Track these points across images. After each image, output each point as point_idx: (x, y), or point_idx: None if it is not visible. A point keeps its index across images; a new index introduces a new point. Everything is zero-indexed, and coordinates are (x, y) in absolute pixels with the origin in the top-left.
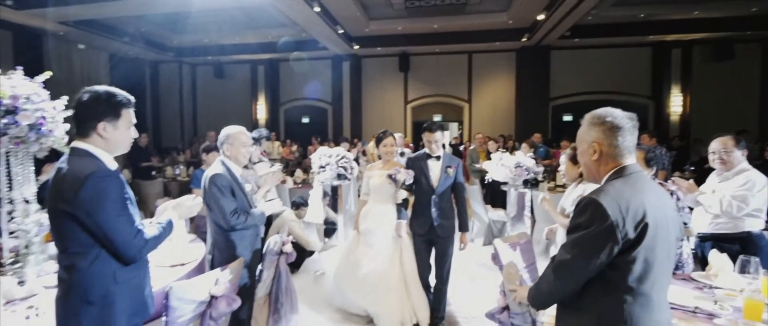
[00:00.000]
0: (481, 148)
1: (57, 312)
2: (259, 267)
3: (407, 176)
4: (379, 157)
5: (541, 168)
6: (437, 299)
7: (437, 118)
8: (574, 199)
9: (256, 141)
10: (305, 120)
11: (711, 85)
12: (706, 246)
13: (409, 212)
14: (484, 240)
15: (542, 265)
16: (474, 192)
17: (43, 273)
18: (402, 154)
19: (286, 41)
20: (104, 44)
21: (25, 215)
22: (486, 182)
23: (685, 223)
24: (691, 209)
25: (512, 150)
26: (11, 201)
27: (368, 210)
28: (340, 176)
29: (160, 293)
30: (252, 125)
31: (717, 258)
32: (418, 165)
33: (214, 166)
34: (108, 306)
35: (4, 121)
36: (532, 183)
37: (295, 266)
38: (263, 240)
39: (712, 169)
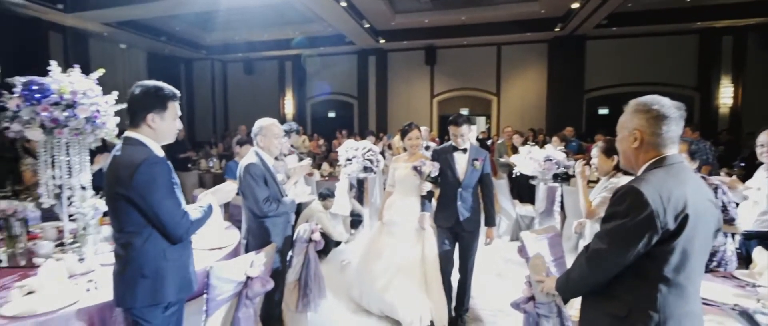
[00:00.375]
0: (509, 142)
1: (115, 284)
2: (290, 253)
3: (432, 168)
4: (405, 150)
5: (573, 162)
6: (461, 292)
7: (464, 111)
8: (603, 193)
9: (287, 134)
10: (331, 114)
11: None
12: (752, 244)
13: (434, 204)
14: (511, 236)
15: (571, 261)
16: (501, 187)
17: (98, 252)
18: (427, 148)
19: (312, 37)
20: (143, 44)
21: (83, 200)
22: (514, 176)
23: (732, 219)
24: (737, 205)
25: (542, 144)
26: (70, 188)
27: (393, 202)
28: (366, 169)
29: (202, 272)
30: (280, 119)
31: (761, 256)
32: (443, 157)
33: (248, 156)
34: (159, 281)
35: (65, 114)
36: (562, 178)
37: (322, 254)
38: (293, 228)
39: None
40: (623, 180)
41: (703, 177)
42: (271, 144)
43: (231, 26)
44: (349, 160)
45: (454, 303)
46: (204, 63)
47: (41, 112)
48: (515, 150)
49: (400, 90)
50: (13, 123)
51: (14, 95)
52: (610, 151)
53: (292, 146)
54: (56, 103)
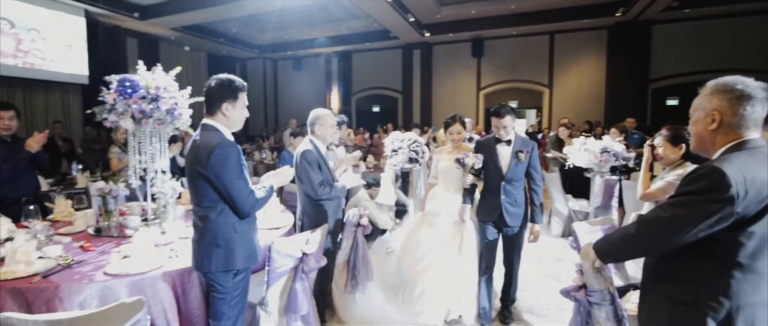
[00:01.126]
0: (569, 140)
1: (194, 251)
2: (340, 235)
3: (476, 160)
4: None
5: (633, 155)
6: (507, 283)
7: (513, 104)
8: (668, 178)
9: (339, 125)
10: (376, 109)
11: None
12: None
13: (477, 198)
14: (563, 232)
15: (633, 263)
16: (553, 181)
17: (176, 227)
18: (470, 140)
19: (358, 33)
20: (204, 45)
21: (163, 182)
22: (565, 168)
23: None
24: None
25: (600, 137)
26: (153, 171)
27: (435, 193)
28: (411, 160)
29: (264, 247)
30: None
31: None
32: (486, 149)
33: (303, 144)
34: (230, 250)
35: (151, 106)
36: (621, 171)
37: (368, 239)
38: (343, 212)
39: None
40: (690, 169)
41: None
42: (326, 132)
43: (281, 26)
44: (394, 151)
45: (499, 295)
46: (257, 62)
47: (132, 105)
48: (561, 143)
49: (445, 83)
50: (110, 114)
51: (111, 91)
52: (676, 139)
53: (340, 138)
54: (143, 97)
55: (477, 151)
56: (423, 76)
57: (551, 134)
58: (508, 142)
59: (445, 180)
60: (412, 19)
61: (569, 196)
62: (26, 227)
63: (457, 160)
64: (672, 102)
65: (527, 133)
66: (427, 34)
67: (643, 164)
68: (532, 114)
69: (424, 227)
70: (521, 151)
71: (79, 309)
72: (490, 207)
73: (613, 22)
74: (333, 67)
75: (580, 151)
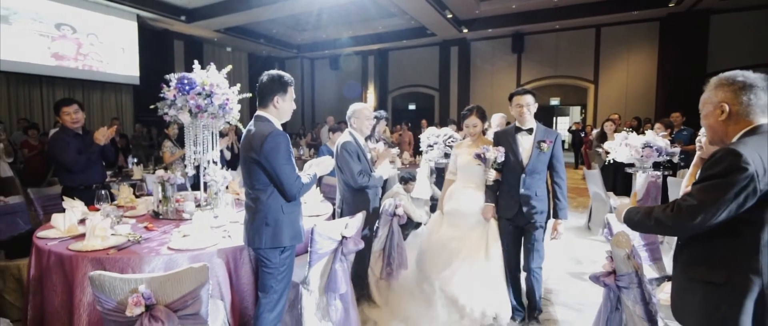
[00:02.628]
0: (612, 136)
1: (246, 229)
2: (376, 224)
3: (497, 154)
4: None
5: (677, 150)
6: (530, 293)
7: (555, 101)
8: None
9: (378, 120)
10: (412, 107)
11: None
12: None
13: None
14: (602, 230)
15: (668, 250)
16: (593, 177)
17: (227, 212)
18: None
19: (394, 31)
20: (245, 46)
21: (215, 171)
22: (606, 163)
23: None
24: None
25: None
26: (206, 162)
27: (454, 191)
28: (447, 155)
29: (307, 231)
30: None
31: None
32: (506, 139)
33: (343, 136)
34: (278, 228)
35: (205, 101)
36: (665, 166)
37: (404, 231)
38: (379, 201)
39: None
40: None
41: None
42: (363, 125)
43: (319, 25)
44: (430, 146)
45: (526, 302)
46: (295, 61)
47: (190, 100)
48: (605, 138)
49: (483, 80)
50: (170, 109)
51: (171, 88)
52: None
53: (378, 134)
54: (199, 93)
55: (497, 142)
56: (460, 72)
57: (595, 131)
58: (530, 131)
59: (465, 177)
60: (450, 16)
61: (611, 194)
62: (98, 209)
63: (478, 156)
64: None
65: (570, 130)
66: (465, 30)
67: (695, 159)
68: (575, 111)
69: (445, 228)
70: (544, 141)
71: None
72: (510, 202)
73: (666, 13)
74: (369, 65)
75: (621, 146)
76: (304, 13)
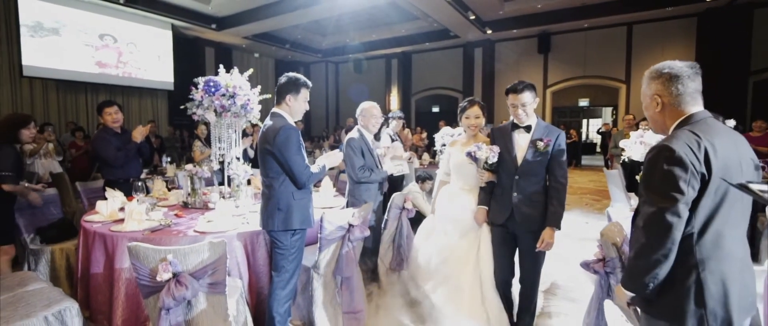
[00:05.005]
0: (627, 131)
1: (261, 214)
2: (385, 217)
3: (490, 153)
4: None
5: None
6: (522, 307)
7: (584, 102)
8: None
9: (392, 119)
10: (435, 109)
11: None
12: None
13: None
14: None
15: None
16: (613, 177)
17: (247, 203)
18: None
19: (417, 34)
20: (271, 52)
21: (237, 167)
22: (623, 162)
23: None
24: None
25: None
26: (230, 158)
27: (446, 193)
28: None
29: (318, 220)
30: (386, 113)
31: None
32: (502, 137)
33: (351, 133)
34: (289, 213)
35: (229, 101)
36: None
37: (414, 226)
38: (385, 196)
39: None
40: None
41: None
42: (370, 122)
43: (343, 30)
44: (444, 145)
45: (515, 319)
46: (319, 65)
47: (215, 101)
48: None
49: (508, 81)
50: (198, 108)
51: (199, 89)
52: None
53: (396, 134)
54: (223, 94)
55: (493, 141)
56: (484, 74)
57: (617, 131)
58: (528, 128)
59: (459, 177)
60: (473, 17)
61: (632, 194)
62: (134, 199)
63: (469, 154)
64: None
65: (599, 132)
66: (489, 31)
67: None
68: (607, 112)
69: (436, 234)
70: (541, 140)
71: None
72: (502, 206)
73: (704, 8)
74: (393, 68)
75: (636, 144)
76: (327, 19)
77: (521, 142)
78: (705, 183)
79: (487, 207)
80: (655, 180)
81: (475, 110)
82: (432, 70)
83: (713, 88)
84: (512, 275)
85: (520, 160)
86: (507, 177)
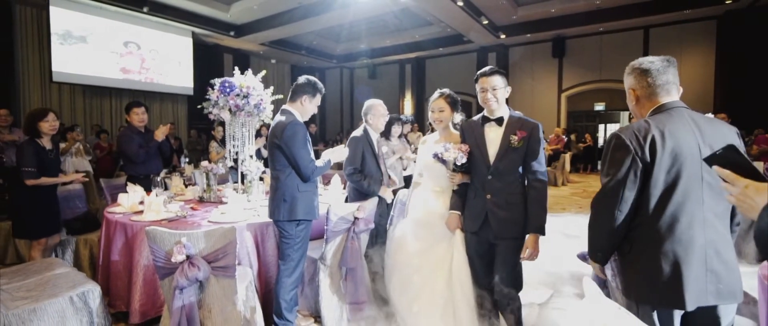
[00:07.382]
0: None
1: (269, 204)
2: (391, 213)
3: (458, 154)
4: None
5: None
6: (503, 306)
7: (600, 106)
8: None
9: (402, 123)
10: None
11: None
12: None
13: None
14: None
15: None
16: None
17: (259, 198)
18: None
19: (431, 39)
20: (288, 58)
21: (250, 164)
22: None
23: None
24: None
25: None
26: (244, 155)
27: (419, 195)
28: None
29: (324, 214)
30: None
31: None
32: (472, 133)
33: (357, 130)
34: (294, 204)
35: (243, 101)
36: None
37: None
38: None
39: None
40: None
41: None
42: (377, 120)
43: (357, 36)
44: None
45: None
46: (334, 71)
47: (230, 100)
48: None
49: (523, 86)
50: (214, 108)
51: (215, 90)
52: None
53: (406, 137)
54: (238, 94)
55: (463, 137)
56: None
57: None
58: (499, 121)
59: (430, 178)
60: (486, 22)
61: None
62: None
63: (435, 156)
64: None
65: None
66: (503, 36)
67: None
68: (624, 116)
69: (410, 240)
70: (514, 133)
71: None
72: (475, 211)
73: (723, 10)
74: (406, 73)
75: None
76: (341, 25)
77: (493, 137)
78: (649, 167)
79: (459, 213)
80: (605, 164)
81: (439, 103)
82: (445, 75)
83: (738, 92)
84: (488, 287)
85: (492, 158)
86: (479, 177)
